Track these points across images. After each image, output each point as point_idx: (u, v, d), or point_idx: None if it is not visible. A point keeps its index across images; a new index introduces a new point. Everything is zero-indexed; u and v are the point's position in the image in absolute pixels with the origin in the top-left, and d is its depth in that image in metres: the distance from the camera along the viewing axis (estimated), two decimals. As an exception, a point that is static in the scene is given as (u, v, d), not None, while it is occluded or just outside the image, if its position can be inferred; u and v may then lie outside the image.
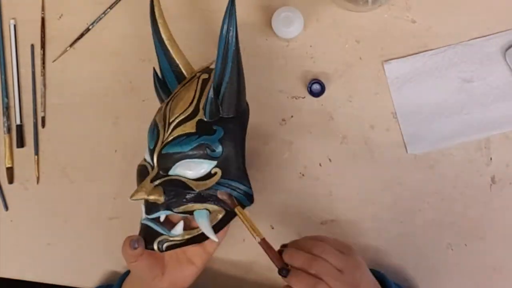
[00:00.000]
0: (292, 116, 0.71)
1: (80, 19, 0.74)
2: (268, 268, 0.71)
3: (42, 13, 0.75)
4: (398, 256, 0.70)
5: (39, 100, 0.75)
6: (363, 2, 0.66)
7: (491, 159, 0.69)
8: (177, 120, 0.58)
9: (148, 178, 0.58)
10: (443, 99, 0.70)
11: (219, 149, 0.58)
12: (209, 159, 0.58)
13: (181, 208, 0.58)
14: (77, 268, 0.74)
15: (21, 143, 0.74)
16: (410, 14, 0.70)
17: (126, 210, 0.71)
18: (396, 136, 0.70)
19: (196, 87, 0.60)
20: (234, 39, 0.56)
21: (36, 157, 0.74)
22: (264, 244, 0.56)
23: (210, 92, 0.57)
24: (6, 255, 0.75)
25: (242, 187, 0.59)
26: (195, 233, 0.59)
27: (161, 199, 0.57)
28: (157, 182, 0.57)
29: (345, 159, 0.70)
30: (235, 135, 0.59)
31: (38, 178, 0.74)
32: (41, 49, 0.74)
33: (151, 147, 0.59)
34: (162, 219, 0.59)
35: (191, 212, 0.58)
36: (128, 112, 0.73)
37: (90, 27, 0.74)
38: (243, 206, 0.59)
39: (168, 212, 0.58)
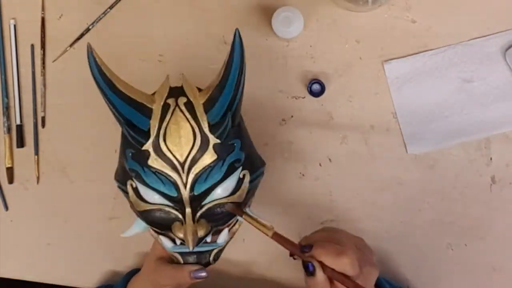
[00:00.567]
0: (292, 116, 0.71)
1: (80, 19, 0.74)
2: (268, 268, 0.71)
3: (42, 13, 0.74)
4: (398, 256, 0.70)
5: (39, 100, 0.75)
6: (363, 2, 0.65)
7: (491, 159, 0.69)
8: (190, 158, 0.54)
9: (188, 220, 0.56)
10: (443, 99, 0.70)
11: (243, 156, 0.57)
12: (236, 169, 0.57)
13: (225, 223, 0.58)
14: (77, 268, 0.74)
15: (21, 143, 0.74)
16: (410, 14, 0.70)
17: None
18: (396, 136, 0.70)
19: (186, 116, 0.55)
20: (243, 64, 0.54)
21: (36, 157, 0.74)
22: (277, 236, 0.56)
23: (227, 118, 0.54)
24: (6, 255, 0.75)
25: (262, 168, 0.61)
26: (235, 230, 0.60)
27: (208, 229, 0.56)
28: (197, 217, 0.56)
29: (345, 159, 0.70)
30: (245, 132, 0.60)
31: (38, 178, 0.74)
32: (41, 49, 0.74)
33: (174, 195, 0.55)
34: (209, 239, 0.58)
35: (234, 221, 0.59)
36: (128, 112, 0.73)
37: (90, 27, 0.74)
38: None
39: (213, 231, 0.57)
